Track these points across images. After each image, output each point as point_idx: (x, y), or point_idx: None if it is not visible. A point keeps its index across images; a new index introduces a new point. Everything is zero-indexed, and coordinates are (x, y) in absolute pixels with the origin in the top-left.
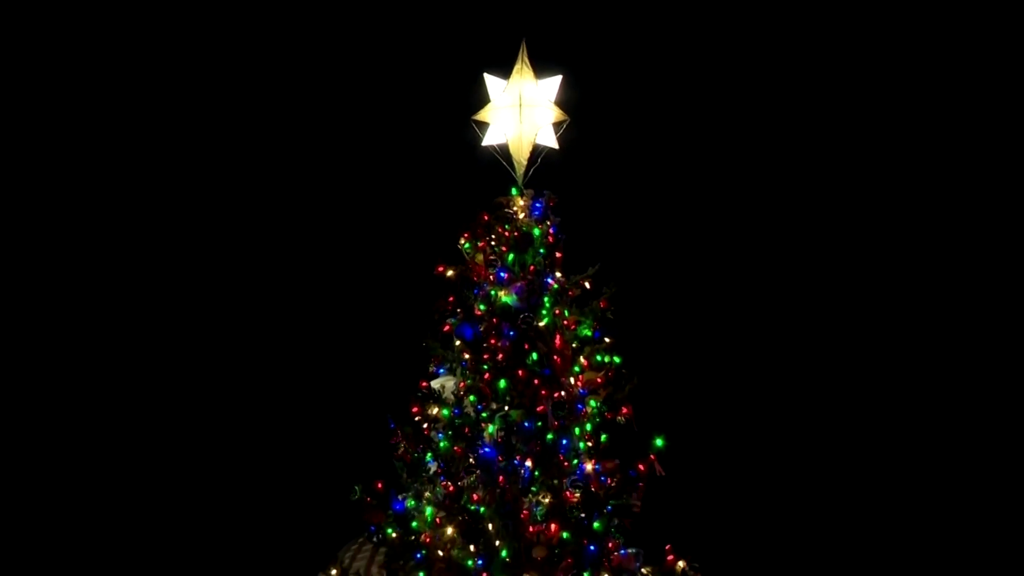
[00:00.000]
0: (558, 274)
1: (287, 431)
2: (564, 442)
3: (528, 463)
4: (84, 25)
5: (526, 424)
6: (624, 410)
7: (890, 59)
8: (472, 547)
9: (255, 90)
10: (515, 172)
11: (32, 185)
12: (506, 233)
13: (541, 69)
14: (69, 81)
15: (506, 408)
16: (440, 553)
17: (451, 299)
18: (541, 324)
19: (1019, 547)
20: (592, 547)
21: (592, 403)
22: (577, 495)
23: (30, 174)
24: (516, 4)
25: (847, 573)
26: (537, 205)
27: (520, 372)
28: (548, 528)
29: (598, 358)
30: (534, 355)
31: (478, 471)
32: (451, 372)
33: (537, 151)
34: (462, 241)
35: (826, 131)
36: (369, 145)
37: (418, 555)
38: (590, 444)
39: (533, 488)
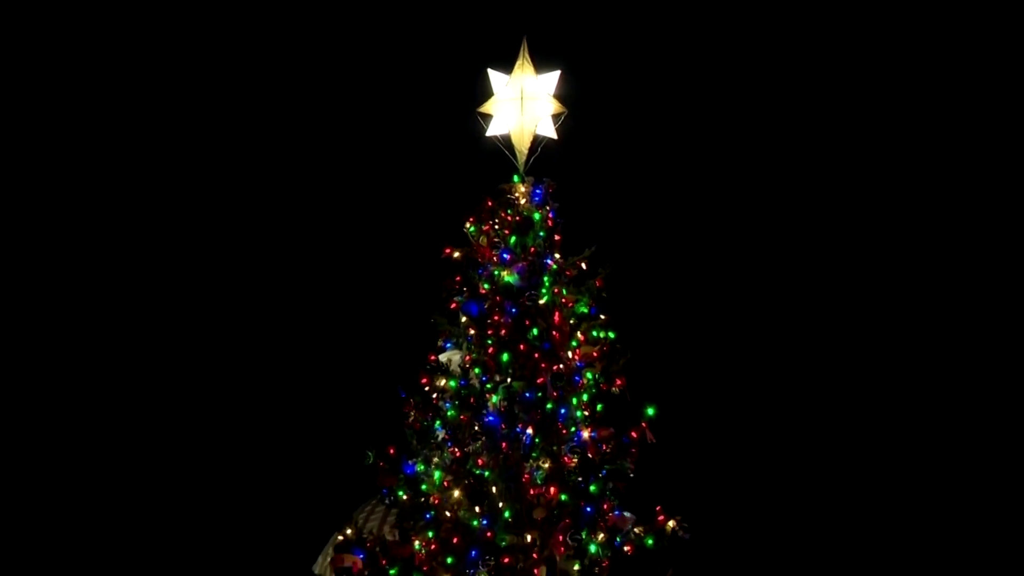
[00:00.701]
0: (557, 255)
1: (306, 402)
2: (562, 411)
3: (529, 430)
4: (96, 28)
5: (527, 394)
6: (618, 382)
7: (879, 51)
8: (477, 508)
9: (286, 84)
10: (517, 161)
11: (34, 186)
12: (508, 217)
13: (540, 64)
14: (75, 83)
15: (509, 379)
16: (448, 514)
17: (458, 278)
18: (541, 302)
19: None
20: (588, 508)
21: (588, 375)
22: (574, 460)
23: (32, 175)
24: (518, 3)
25: (832, 536)
26: (537, 191)
27: (522, 346)
28: (548, 491)
29: (594, 333)
30: (535, 330)
31: (483, 438)
32: (457, 346)
33: (537, 141)
34: (468, 225)
35: (808, 112)
36: (383, 136)
37: (427, 515)
38: (586, 413)
39: (534, 454)
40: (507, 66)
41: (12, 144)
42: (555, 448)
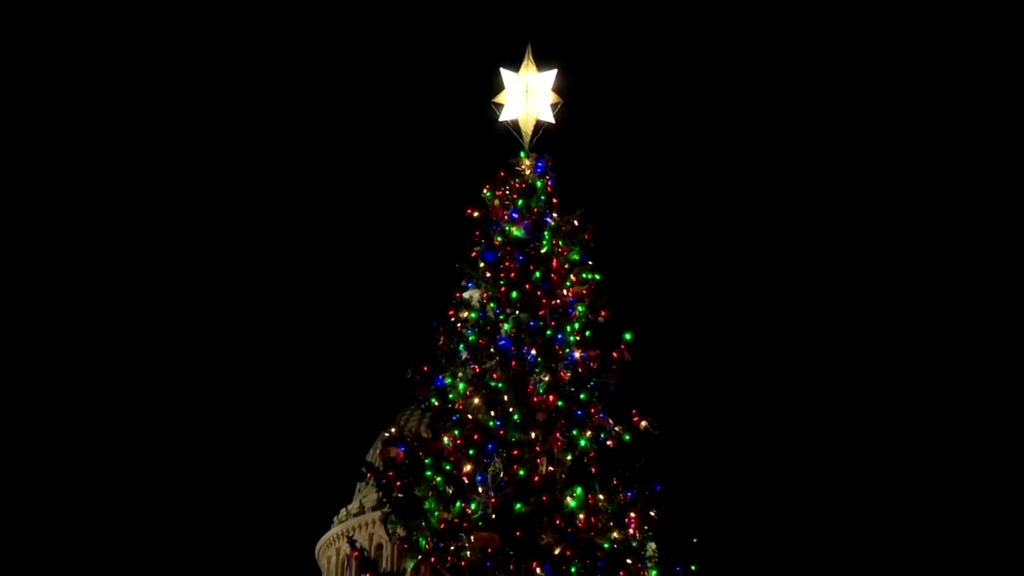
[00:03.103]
0: (555, 214)
1: (360, 332)
2: (559, 336)
3: (533, 352)
4: (113, 30)
5: (531, 323)
6: (603, 313)
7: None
8: (492, 412)
9: (341, 77)
10: (523, 140)
11: (36, 187)
12: (516, 185)
13: (541, 64)
14: (80, 84)
15: (517, 312)
16: (470, 416)
17: (477, 233)
18: (542, 251)
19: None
20: (579, 412)
21: (579, 308)
22: (568, 374)
23: (34, 175)
24: (524, 16)
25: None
26: (539, 164)
27: (527, 286)
28: (547, 398)
29: (584, 275)
30: (537, 273)
31: (497, 357)
32: (477, 286)
33: (539, 125)
34: (484, 191)
35: (777, 84)
36: (422, 122)
37: (454, 418)
38: (578, 338)
39: (536, 370)
40: (515, 65)
41: (12, 144)
42: (553, 365)
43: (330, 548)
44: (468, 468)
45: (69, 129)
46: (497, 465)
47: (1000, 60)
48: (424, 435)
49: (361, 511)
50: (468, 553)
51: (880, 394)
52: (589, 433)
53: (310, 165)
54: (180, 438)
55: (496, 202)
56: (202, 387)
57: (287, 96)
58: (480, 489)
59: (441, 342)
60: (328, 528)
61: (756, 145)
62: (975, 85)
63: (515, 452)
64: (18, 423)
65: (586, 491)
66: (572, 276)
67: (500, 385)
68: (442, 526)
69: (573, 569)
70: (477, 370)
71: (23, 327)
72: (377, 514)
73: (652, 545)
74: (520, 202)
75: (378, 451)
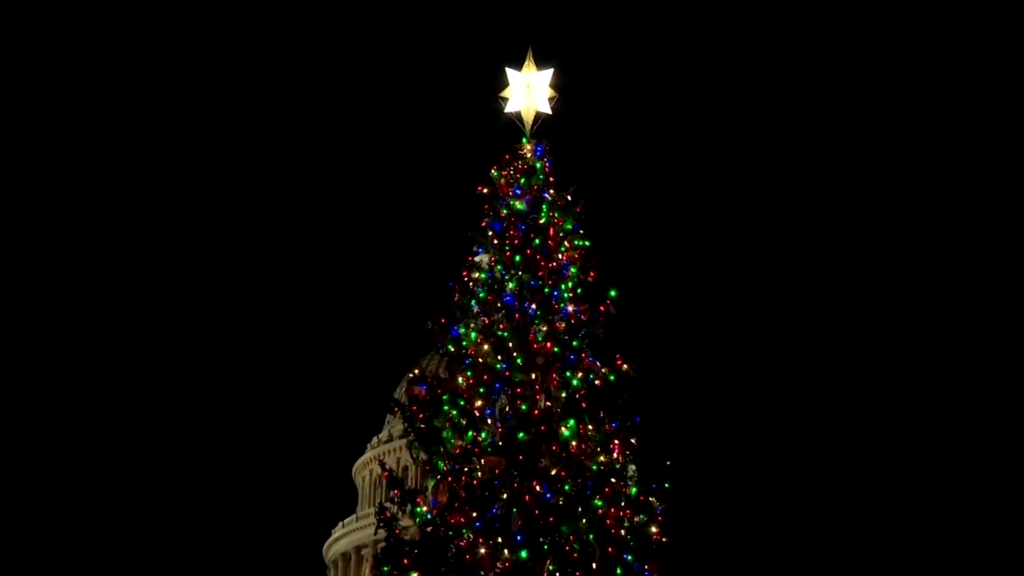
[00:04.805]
0: (551, 191)
1: (391, 290)
2: (555, 293)
3: (533, 306)
4: (126, 31)
5: (532, 282)
6: (592, 274)
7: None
8: (499, 356)
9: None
10: (525, 129)
11: (36, 187)
12: (519, 166)
13: (540, 64)
14: (80, 84)
15: (520, 273)
16: (480, 360)
17: (486, 207)
18: (541, 221)
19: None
20: (572, 356)
21: (572, 270)
22: (563, 325)
23: (34, 175)
24: (526, 25)
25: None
26: (539, 149)
27: (528, 251)
28: (545, 345)
29: (576, 242)
30: (536, 240)
31: (503, 311)
32: (486, 251)
33: (538, 116)
34: (493, 171)
35: (756, 69)
36: (442, 114)
37: (467, 361)
38: (571, 294)
39: (536, 321)
40: (518, 65)
41: (13, 145)
42: (550, 317)
43: (364, 469)
44: (479, 403)
45: (69, 129)
46: (503, 401)
47: (1000, 60)
48: (442, 376)
49: (390, 439)
50: (479, 474)
51: (845, 338)
52: (580, 374)
53: (350, 150)
54: (250, 382)
55: (502, 181)
56: (269, 340)
57: (335, 92)
58: (489, 421)
59: (456, 298)
60: (363, 453)
61: (726, 130)
62: (975, 85)
63: (518, 390)
64: (35, 403)
65: (578, 422)
66: (566, 243)
67: (506, 334)
68: (457, 451)
69: (567, 487)
70: (486, 321)
71: (23, 325)
72: (403, 441)
73: (632, 467)
74: (522, 181)
75: (404, 389)
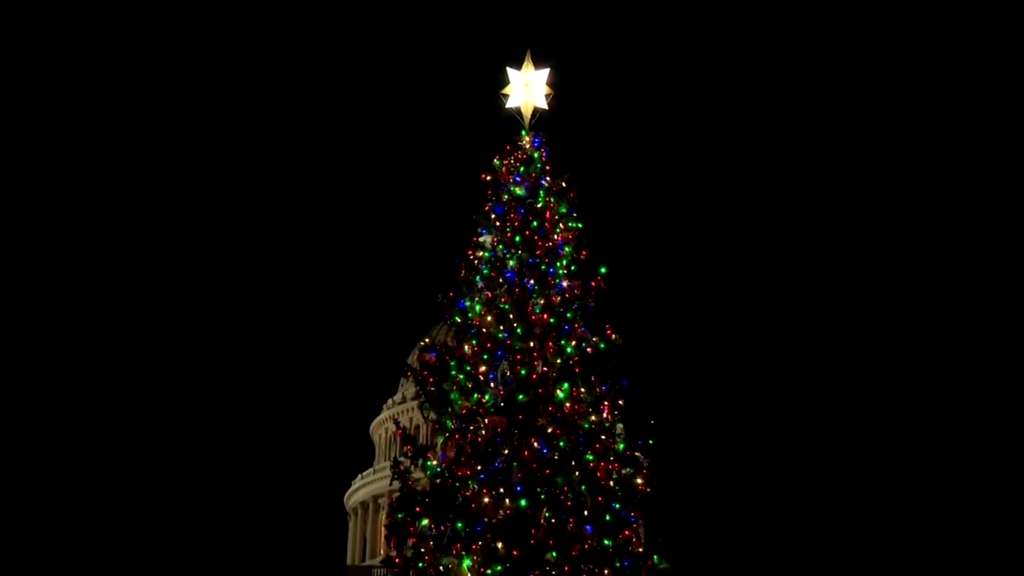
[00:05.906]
0: (548, 178)
1: (404, 267)
2: (551, 270)
3: (531, 281)
4: (131, 32)
5: (530, 260)
6: (584, 253)
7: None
8: (501, 327)
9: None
10: (524, 122)
11: (36, 187)
12: (519, 155)
13: (538, 63)
14: (79, 84)
15: (519, 252)
16: (484, 330)
17: (489, 192)
18: (538, 206)
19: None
20: (567, 327)
21: (567, 249)
22: (558, 299)
23: (34, 175)
24: (524, 28)
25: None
26: (536, 140)
27: (527, 232)
28: (543, 317)
29: (570, 224)
30: (534, 223)
31: (505, 286)
32: (489, 232)
33: (536, 111)
34: (495, 160)
35: (765, 70)
36: (450, 109)
37: (472, 331)
38: (566, 271)
39: (534, 295)
40: (518, 64)
41: (13, 144)
42: (547, 292)
43: (381, 427)
44: (483, 368)
45: (69, 129)
46: (504, 366)
47: (1000, 60)
48: (450, 344)
49: (403, 400)
50: (483, 432)
51: (816, 303)
52: (574, 342)
53: (373, 144)
54: (285, 353)
55: (503, 169)
56: (303, 317)
57: (349, 90)
58: (492, 384)
59: (463, 274)
60: (379, 413)
61: (705, 118)
62: (975, 85)
63: (518, 356)
64: (42, 396)
65: (571, 386)
66: (561, 225)
67: (507, 307)
68: (463, 411)
69: (562, 444)
70: (490, 295)
71: (23, 323)
72: (415, 403)
73: (620, 425)
74: (522, 169)
75: (416, 356)
